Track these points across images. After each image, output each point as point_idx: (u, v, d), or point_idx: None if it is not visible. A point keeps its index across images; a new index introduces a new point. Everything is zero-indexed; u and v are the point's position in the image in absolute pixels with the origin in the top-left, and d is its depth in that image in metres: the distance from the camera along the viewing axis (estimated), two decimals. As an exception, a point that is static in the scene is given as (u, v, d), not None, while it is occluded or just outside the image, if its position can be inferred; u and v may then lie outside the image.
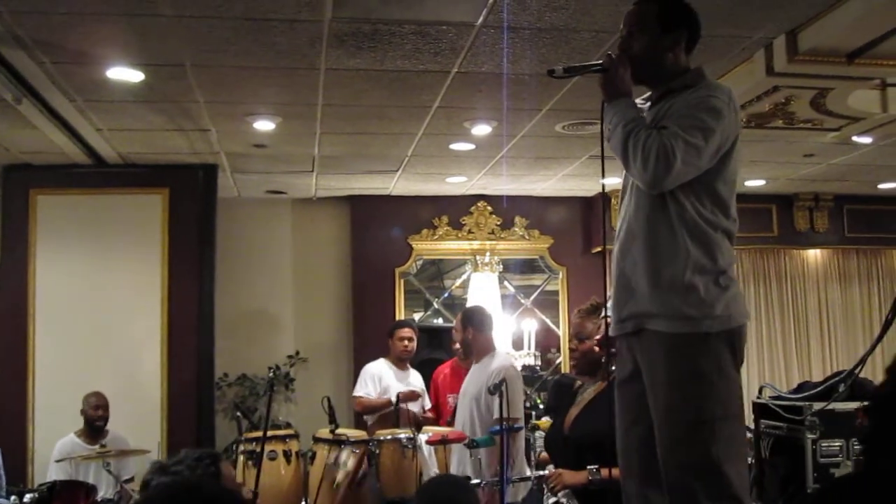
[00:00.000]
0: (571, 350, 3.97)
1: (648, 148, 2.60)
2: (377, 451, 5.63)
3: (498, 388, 4.70)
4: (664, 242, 2.71)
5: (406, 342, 6.68)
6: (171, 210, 7.12)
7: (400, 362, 6.69)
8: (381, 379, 6.63)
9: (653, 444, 2.74)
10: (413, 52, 4.61)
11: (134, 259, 7.08)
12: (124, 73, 4.85)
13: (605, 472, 3.46)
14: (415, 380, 6.75)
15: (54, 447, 6.30)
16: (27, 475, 6.70)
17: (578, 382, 4.11)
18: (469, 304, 8.29)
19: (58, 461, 6.08)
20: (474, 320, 5.57)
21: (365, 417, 6.72)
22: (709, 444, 2.62)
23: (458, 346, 6.09)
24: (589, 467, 3.53)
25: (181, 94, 5.29)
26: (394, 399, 6.16)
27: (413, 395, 6.47)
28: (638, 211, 2.78)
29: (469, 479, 4.50)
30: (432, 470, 5.45)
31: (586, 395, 3.91)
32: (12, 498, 5.29)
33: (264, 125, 5.91)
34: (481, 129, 6.15)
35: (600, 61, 2.79)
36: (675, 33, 2.80)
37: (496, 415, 4.79)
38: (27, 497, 5.30)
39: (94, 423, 6.34)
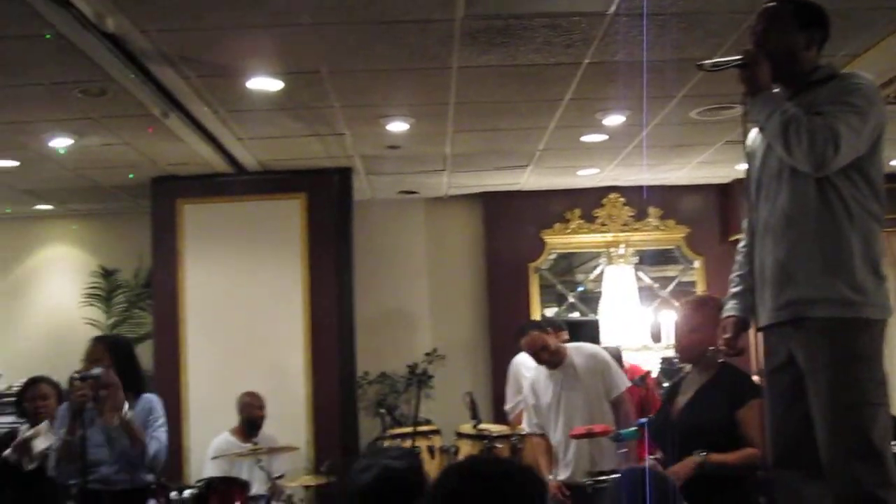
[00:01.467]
0: (680, 339, 3.92)
1: (812, 131, 2.63)
2: (520, 446, 5.66)
3: (643, 380, 4.69)
4: (826, 228, 2.73)
5: None
6: (310, 214, 7.31)
7: None
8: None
9: (806, 433, 2.75)
10: (544, 45, 4.60)
11: (276, 262, 7.30)
12: (264, 83, 5.00)
13: (715, 457, 3.43)
14: None
15: (210, 445, 6.56)
16: (183, 472, 6.99)
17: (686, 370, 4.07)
18: (601, 299, 8.30)
19: (214, 458, 6.33)
20: (556, 323, 5.54)
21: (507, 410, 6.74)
22: (870, 428, 2.65)
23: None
24: (697, 451, 3.49)
25: (317, 100, 5.43)
26: None
27: None
28: (794, 198, 2.78)
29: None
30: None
31: (691, 383, 3.88)
32: (172, 493, 5.52)
33: (397, 126, 6.01)
34: (614, 120, 6.08)
35: (741, 57, 2.82)
36: (810, 31, 2.87)
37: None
38: (186, 493, 5.54)
39: (256, 421, 6.56)
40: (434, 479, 2.03)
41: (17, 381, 7.37)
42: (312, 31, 4.29)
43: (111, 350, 4.13)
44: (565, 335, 6.26)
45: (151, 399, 4.18)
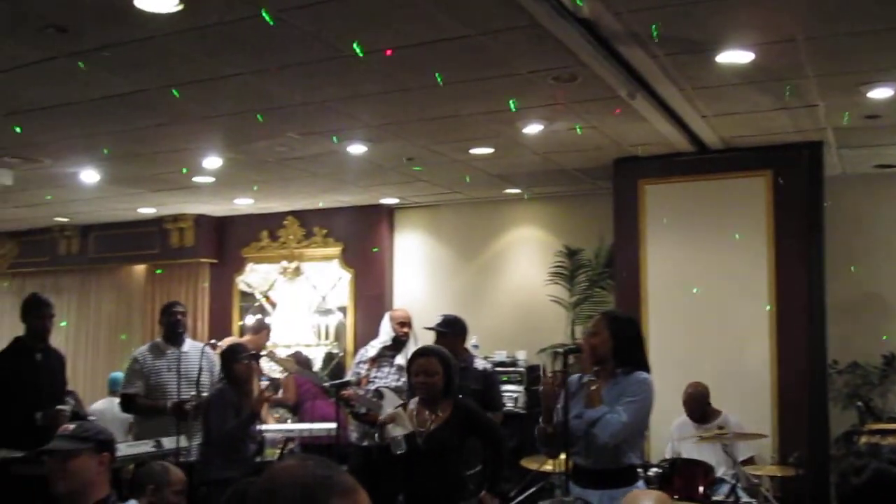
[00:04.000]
0: None
1: None
2: None
3: None
4: None
5: None
6: (775, 192, 6.96)
7: None
8: None
9: None
10: None
11: (739, 243, 7.06)
12: (734, 56, 4.82)
13: None
14: None
15: (672, 425, 6.59)
16: (645, 451, 7.03)
17: None
18: None
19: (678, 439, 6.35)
20: None
21: None
22: None
23: None
24: None
25: (790, 71, 5.11)
26: None
27: None
28: None
29: None
30: None
31: None
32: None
33: (880, 93, 5.46)
34: None
35: None
36: None
37: None
38: (651, 471, 5.57)
39: (705, 409, 6.54)
40: None
41: (493, 353, 7.99)
42: (791, -5, 4.05)
43: (610, 324, 4.25)
44: None
45: (637, 378, 4.18)
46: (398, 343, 6.56)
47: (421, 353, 4.82)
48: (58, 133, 6.37)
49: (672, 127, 6.30)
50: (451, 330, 6.16)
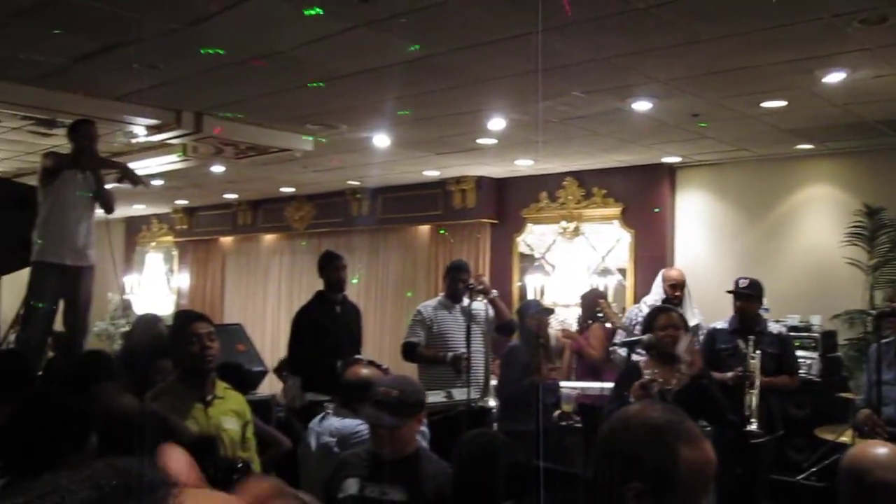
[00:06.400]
0: None
1: None
2: None
3: None
4: None
5: None
6: None
7: None
8: None
9: None
10: None
11: None
12: None
13: None
14: None
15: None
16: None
17: None
18: None
19: None
20: None
21: None
22: None
23: None
24: None
25: None
26: None
27: None
28: None
29: None
30: None
31: None
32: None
33: None
34: None
35: None
36: None
37: None
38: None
39: None
40: None
41: (784, 317, 7.60)
42: None
43: None
44: None
45: None
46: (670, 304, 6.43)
47: (662, 309, 5.05)
48: (354, 100, 6.74)
49: None
50: (756, 292, 5.99)
